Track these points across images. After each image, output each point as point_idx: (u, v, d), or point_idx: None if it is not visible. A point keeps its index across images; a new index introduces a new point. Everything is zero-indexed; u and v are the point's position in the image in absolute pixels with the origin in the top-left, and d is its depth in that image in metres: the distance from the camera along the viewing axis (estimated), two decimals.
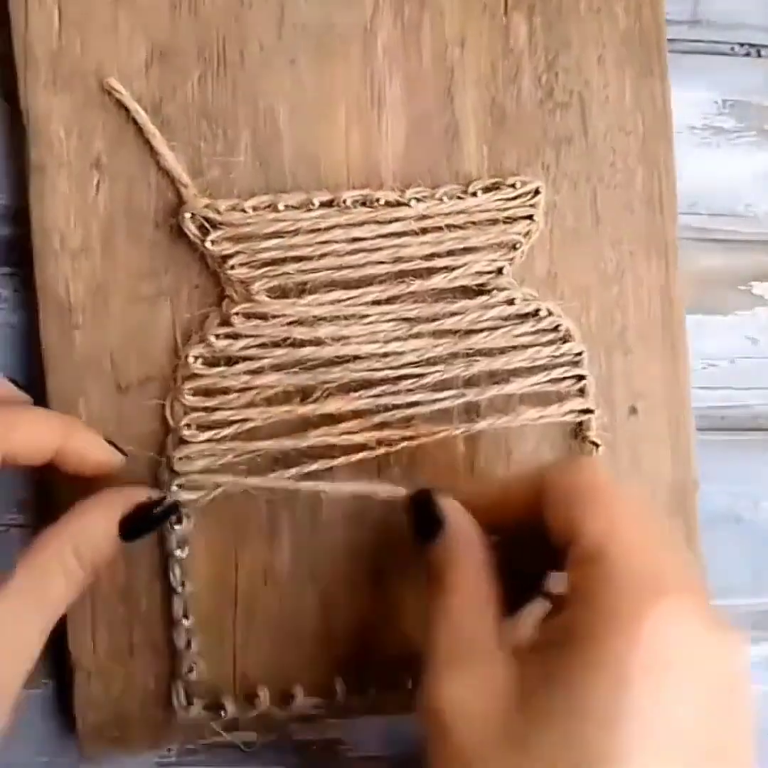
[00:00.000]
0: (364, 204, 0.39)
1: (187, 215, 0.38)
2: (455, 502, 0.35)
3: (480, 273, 0.40)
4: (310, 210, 0.38)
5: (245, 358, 0.38)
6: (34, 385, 0.38)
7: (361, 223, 0.39)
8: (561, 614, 0.30)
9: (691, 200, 0.44)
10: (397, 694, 0.40)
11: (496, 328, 0.40)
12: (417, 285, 0.39)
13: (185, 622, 0.39)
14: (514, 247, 0.40)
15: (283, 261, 0.38)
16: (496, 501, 0.35)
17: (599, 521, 0.31)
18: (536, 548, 0.33)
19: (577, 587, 0.30)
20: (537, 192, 0.40)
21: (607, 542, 0.30)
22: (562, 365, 0.41)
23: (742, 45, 0.45)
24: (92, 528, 0.34)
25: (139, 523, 0.35)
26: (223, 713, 0.39)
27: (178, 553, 0.38)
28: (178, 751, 0.42)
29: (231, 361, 0.38)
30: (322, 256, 0.39)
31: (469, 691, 0.30)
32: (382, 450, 0.39)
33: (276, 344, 0.38)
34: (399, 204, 0.39)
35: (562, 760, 0.27)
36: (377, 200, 0.39)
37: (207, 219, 0.38)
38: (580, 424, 0.41)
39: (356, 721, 0.42)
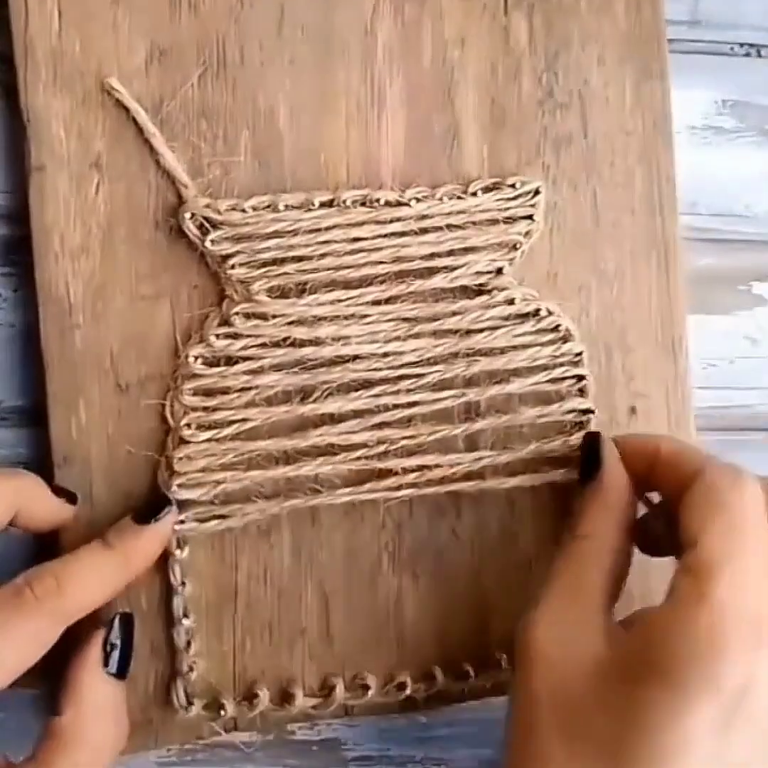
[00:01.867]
0: (364, 204, 0.39)
1: (187, 215, 0.38)
2: (616, 453, 0.37)
3: (480, 273, 0.40)
4: (310, 210, 0.38)
5: (245, 358, 0.38)
6: (35, 385, 0.39)
7: (361, 223, 0.39)
8: (656, 619, 0.31)
9: (691, 200, 0.44)
10: (395, 695, 0.40)
11: (496, 328, 0.40)
12: (417, 285, 0.39)
13: (185, 622, 0.39)
14: (514, 247, 0.40)
15: (283, 261, 0.38)
16: (650, 468, 0.37)
17: (720, 541, 0.31)
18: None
19: (680, 597, 0.31)
20: (537, 192, 0.40)
21: (721, 566, 0.31)
22: (562, 365, 0.41)
23: (741, 45, 0.45)
24: None
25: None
26: (222, 713, 0.39)
27: (178, 553, 0.38)
28: (178, 751, 0.42)
29: (231, 361, 0.38)
30: (322, 256, 0.39)
31: (564, 635, 0.32)
32: (381, 449, 0.39)
33: (276, 344, 0.38)
34: (399, 204, 0.39)
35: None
36: (377, 200, 0.39)
37: (207, 219, 0.38)
38: (580, 424, 0.41)
39: (355, 721, 0.42)
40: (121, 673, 0.35)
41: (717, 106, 0.45)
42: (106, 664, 0.34)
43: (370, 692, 0.40)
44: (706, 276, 0.45)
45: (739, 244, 0.45)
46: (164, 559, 0.38)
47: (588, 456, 0.38)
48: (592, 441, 0.38)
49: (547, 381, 0.40)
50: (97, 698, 0.34)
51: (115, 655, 0.35)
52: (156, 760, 0.42)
